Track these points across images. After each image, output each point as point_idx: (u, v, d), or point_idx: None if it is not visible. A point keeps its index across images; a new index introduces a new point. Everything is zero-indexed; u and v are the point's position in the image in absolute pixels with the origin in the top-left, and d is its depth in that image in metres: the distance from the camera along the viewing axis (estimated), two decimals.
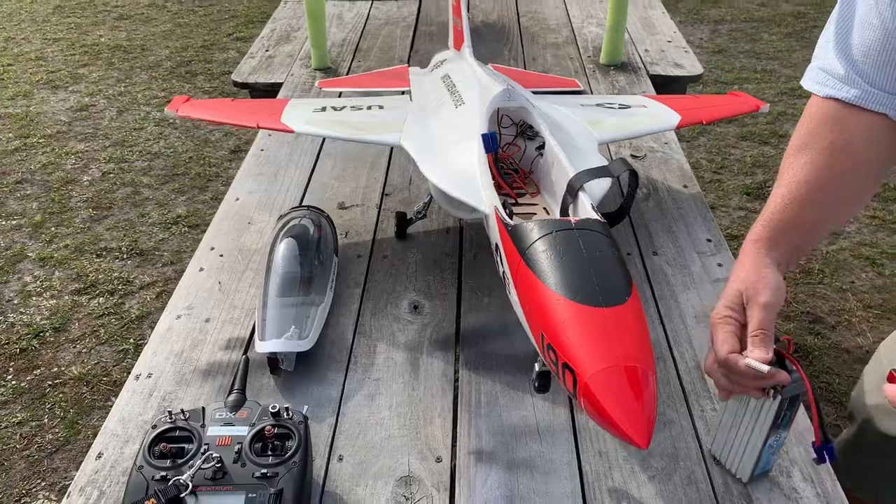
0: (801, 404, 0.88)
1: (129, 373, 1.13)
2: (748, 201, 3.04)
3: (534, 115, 1.15)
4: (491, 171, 1.02)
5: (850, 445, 1.29)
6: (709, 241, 1.39)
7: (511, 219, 0.91)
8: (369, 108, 1.39)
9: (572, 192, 0.97)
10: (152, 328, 2.58)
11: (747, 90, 3.89)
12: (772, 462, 0.93)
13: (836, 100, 0.96)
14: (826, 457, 0.85)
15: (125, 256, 2.81)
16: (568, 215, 0.98)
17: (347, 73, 2.09)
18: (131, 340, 2.40)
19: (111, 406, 1.08)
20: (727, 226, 2.86)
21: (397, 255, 1.36)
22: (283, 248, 1.24)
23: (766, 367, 0.78)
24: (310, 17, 2.05)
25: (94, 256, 2.80)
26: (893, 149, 0.94)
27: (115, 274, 2.71)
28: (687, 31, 4.81)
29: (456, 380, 1.10)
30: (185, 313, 1.24)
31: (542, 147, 1.15)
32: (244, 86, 2.07)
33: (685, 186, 1.54)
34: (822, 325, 2.35)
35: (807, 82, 1.01)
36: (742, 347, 0.82)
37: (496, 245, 0.94)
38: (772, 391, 0.83)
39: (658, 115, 1.37)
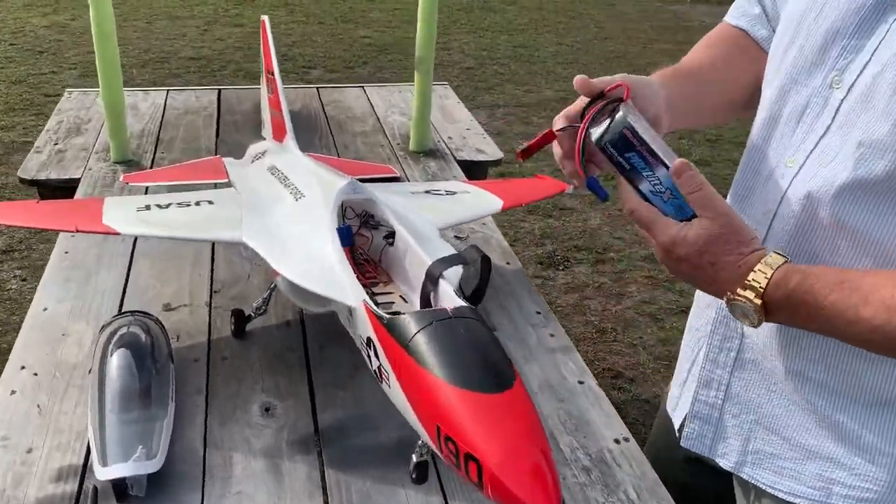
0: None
1: None
2: (542, 269, 3.28)
3: (380, 206, 1.17)
4: (350, 264, 1.03)
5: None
6: (538, 313, 1.48)
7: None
8: (198, 203, 1.34)
9: (433, 279, 1.00)
10: None
11: (527, 168, 4.22)
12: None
13: (741, 30, 1.12)
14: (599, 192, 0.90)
15: None
16: (430, 303, 1.00)
17: (151, 166, 2.00)
18: None
19: None
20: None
21: (238, 355, 1.30)
22: (116, 360, 1.14)
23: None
24: (108, 109, 1.94)
25: None
26: (756, 79, 1.07)
27: None
28: None
29: (324, 482, 1.06)
30: (1, 445, 1.09)
31: (389, 236, 1.17)
32: (33, 183, 1.90)
33: (507, 263, 1.64)
34: (622, 379, 2.57)
35: (728, 17, 1.15)
36: None
37: (367, 339, 0.94)
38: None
39: (483, 200, 1.46)
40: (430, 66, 2.09)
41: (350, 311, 1.01)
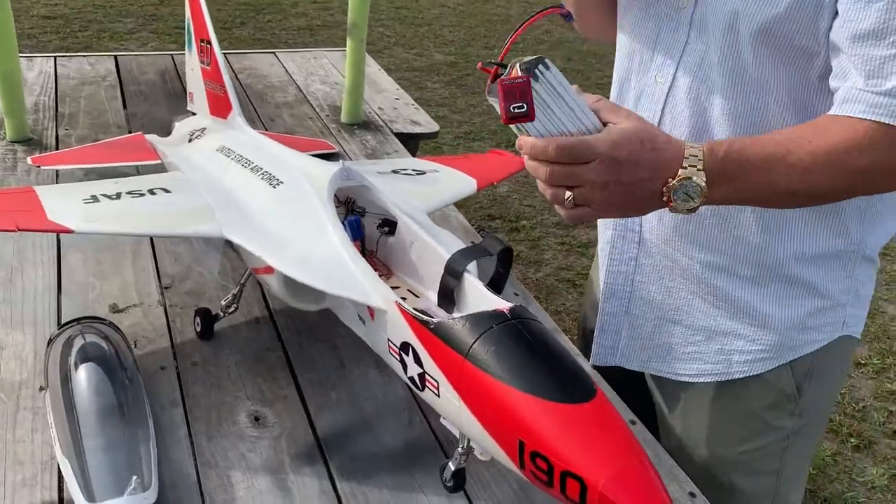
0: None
1: None
2: None
3: (375, 194, 1.08)
4: (368, 260, 0.94)
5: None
6: (516, 294, 1.44)
7: None
8: (152, 191, 1.19)
9: (455, 274, 0.93)
10: None
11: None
12: None
13: None
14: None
15: None
16: (452, 299, 0.94)
17: (57, 145, 1.78)
18: None
19: None
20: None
21: (210, 359, 1.18)
22: (85, 376, 1.00)
23: None
24: (2, 81, 1.70)
25: None
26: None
27: None
28: None
29: (338, 495, 0.98)
30: None
31: (384, 225, 1.09)
32: None
33: (472, 243, 1.58)
34: None
35: None
36: None
37: (402, 344, 0.86)
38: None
39: (457, 181, 1.39)
40: (363, 33, 1.97)
41: (370, 311, 0.92)
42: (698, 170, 0.83)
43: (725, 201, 0.88)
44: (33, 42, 5.20)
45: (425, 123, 2.13)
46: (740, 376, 1.09)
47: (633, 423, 1.15)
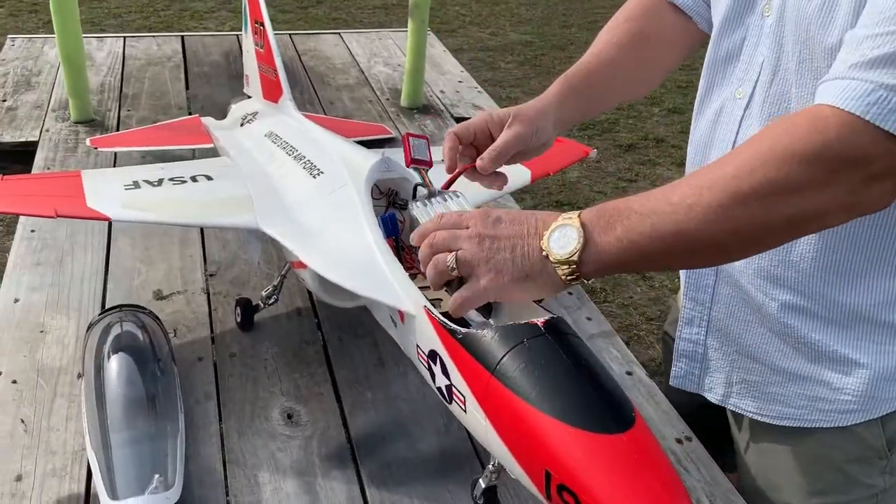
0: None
1: None
2: None
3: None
4: (401, 260, 0.89)
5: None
6: (570, 293, 1.36)
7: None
8: (195, 178, 1.16)
9: None
10: None
11: None
12: None
13: None
14: None
15: None
16: (490, 305, 0.87)
17: (118, 127, 1.79)
18: None
19: None
20: None
21: (248, 351, 1.16)
22: (116, 366, 0.98)
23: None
24: (66, 62, 1.72)
25: None
26: (684, 51, 1.11)
27: None
28: None
29: (366, 503, 0.94)
30: None
31: None
32: None
33: None
34: None
35: None
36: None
37: (430, 352, 0.81)
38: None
39: (511, 172, 1.31)
40: (425, 15, 1.91)
41: (401, 314, 0.87)
42: (575, 218, 0.76)
43: (612, 258, 0.75)
44: (118, 21, 5.35)
45: (488, 108, 2.05)
46: (825, 426, 0.98)
47: (688, 439, 1.07)
